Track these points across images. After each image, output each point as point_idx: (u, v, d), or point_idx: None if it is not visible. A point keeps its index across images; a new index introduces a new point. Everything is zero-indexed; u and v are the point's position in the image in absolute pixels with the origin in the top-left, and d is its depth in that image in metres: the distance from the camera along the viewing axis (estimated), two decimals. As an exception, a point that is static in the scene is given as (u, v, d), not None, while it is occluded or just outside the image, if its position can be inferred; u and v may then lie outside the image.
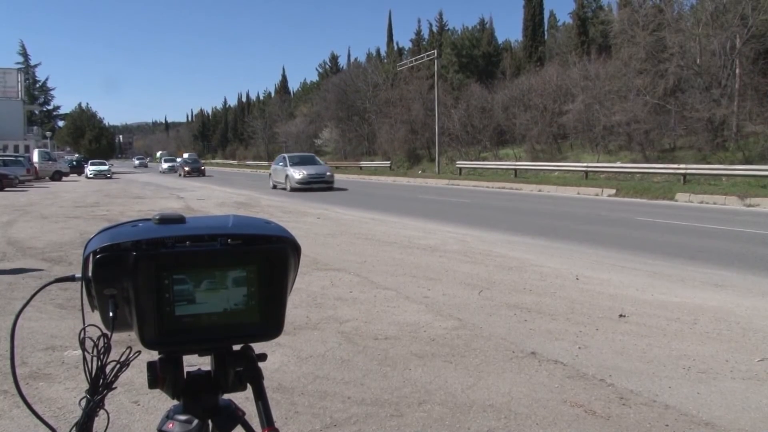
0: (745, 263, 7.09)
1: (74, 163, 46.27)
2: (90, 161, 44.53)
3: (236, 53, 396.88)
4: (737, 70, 23.84)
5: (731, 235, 9.62)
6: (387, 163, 40.53)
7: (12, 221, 11.62)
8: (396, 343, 3.97)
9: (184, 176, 38.27)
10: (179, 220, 0.93)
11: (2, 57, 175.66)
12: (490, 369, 3.50)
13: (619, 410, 2.92)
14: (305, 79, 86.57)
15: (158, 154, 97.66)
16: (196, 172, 39.68)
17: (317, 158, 26.51)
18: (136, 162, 78.40)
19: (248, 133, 77.20)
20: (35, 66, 72.61)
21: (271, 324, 0.93)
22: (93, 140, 78.95)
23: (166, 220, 0.92)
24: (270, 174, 25.25)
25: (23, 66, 67.59)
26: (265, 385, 0.93)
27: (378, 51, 62.94)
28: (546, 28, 47.34)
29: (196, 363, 1.01)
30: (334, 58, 70.90)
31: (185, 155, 57.65)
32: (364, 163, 43.34)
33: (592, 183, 21.22)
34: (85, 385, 0.88)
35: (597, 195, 18.92)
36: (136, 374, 2.83)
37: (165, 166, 50.66)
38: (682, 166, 20.41)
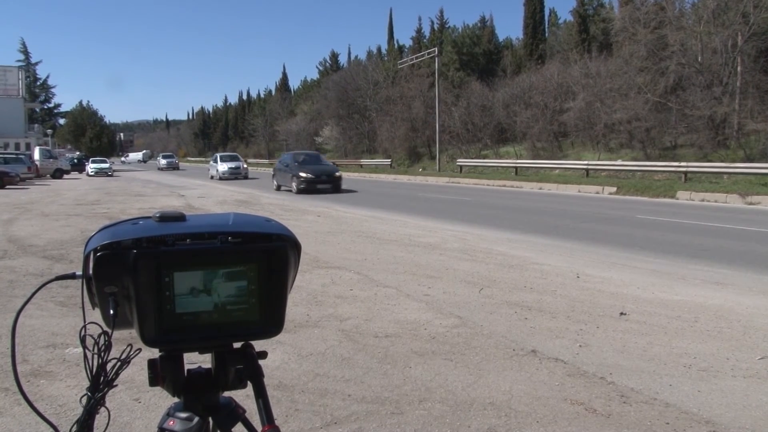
0: (746, 261, 7.09)
1: (75, 161, 46.32)
2: (91, 159, 44.58)
3: (237, 51, 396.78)
4: (738, 68, 23.81)
5: (732, 233, 9.62)
6: (387, 161, 40.49)
7: (13, 219, 11.63)
8: (396, 341, 3.97)
9: (298, 192, 19.43)
10: (180, 218, 0.93)
11: (3, 55, 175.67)
12: (490, 367, 3.50)
13: (620, 408, 2.92)
14: (306, 77, 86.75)
15: (143, 153, 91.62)
16: (328, 182, 19.87)
17: None
18: (163, 162, 55.74)
19: (249, 131, 77.20)
20: (36, 64, 72.66)
21: (272, 322, 0.93)
22: (94, 138, 78.95)
23: (166, 218, 0.92)
24: None
25: (24, 64, 67.61)
26: (266, 383, 0.93)
27: (379, 49, 62.90)
28: (547, 25, 47.29)
29: (196, 361, 1.01)
30: (334, 56, 70.87)
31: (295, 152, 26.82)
32: (364, 161, 43.30)
33: (593, 181, 21.21)
34: (86, 383, 0.88)
35: (598, 193, 18.91)
36: (137, 372, 2.84)
37: (224, 168, 31.02)
38: (683, 164, 20.40)
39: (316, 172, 20.07)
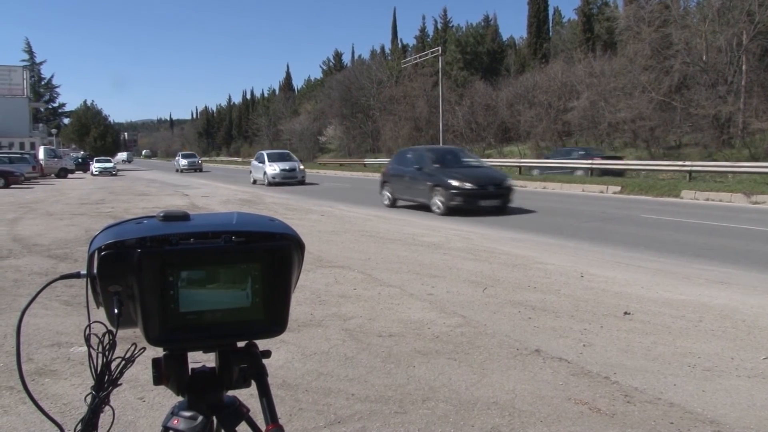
0: (751, 260, 7.06)
1: (79, 160, 46.47)
2: (95, 158, 44.71)
3: (241, 51, 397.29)
4: (743, 67, 23.74)
5: (737, 232, 9.58)
6: (391, 161, 40.39)
7: (18, 218, 11.67)
8: (400, 341, 3.97)
9: (447, 212, 12.30)
10: (184, 217, 0.93)
11: (8, 54, 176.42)
12: (494, 366, 3.49)
13: (624, 408, 2.91)
14: (309, 77, 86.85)
15: (127, 153, 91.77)
16: (496, 195, 12.61)
17: None
18: (183, 162, 44.80)
19: (252, 130, 77.40)
20: (40, 63, 73.09)
21: (275, 321, 0.93)
22: (98, 137, 79.17)
23: (170, 217, 0.92)
24: None
25: (29, 63, 67.97)
26: (270, 382, 0.93)
27: (382, 48, 63.00)
28: (551, 24, 47.25)
29: (200, 360, 1.01)
30: (338, 56, 70.99)
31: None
32: (368, 161, 43.27)
33: (597, 180, 21.16)
34: (91, 382, 0.88)
35: (602, 192, 18.87)
36: (141, 371, 2.85)
37: (274, 170, 23.94)
38: (687, 163, 20.34)
39: (479, 179, 12.60)
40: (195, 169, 44.33)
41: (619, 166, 22.92)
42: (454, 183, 12.35)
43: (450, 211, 12.23)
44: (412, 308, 4.82)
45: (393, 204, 14.46)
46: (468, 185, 12.32)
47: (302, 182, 24.27)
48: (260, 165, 25.04)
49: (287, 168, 24.05)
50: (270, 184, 23.63)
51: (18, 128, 46.68)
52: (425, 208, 13.01)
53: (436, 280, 5.88)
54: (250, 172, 26.80)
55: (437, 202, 12.55)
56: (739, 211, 13.00)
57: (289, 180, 23.78)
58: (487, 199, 12.42)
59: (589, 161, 23.46)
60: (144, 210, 13.19)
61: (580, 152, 25.52)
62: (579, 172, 23.53)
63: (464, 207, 12.20)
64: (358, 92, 50.65)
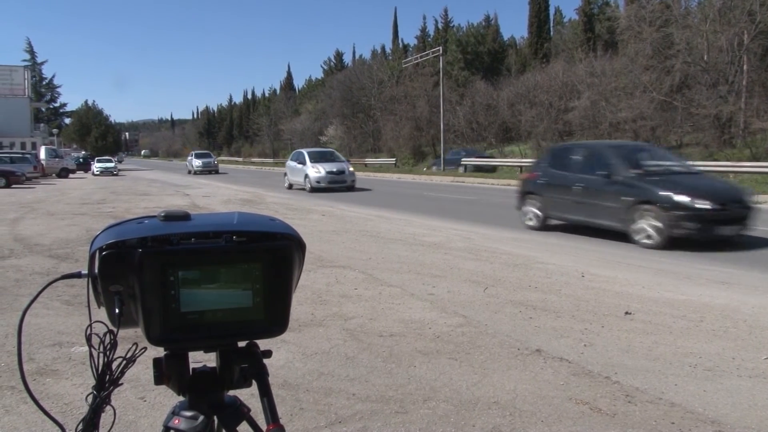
0: (752, 260, 7.06)
1: (81, 160, 46.53)
2: (96, 158, 44.77)
3: (242, 50, 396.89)
4: (744, 67, 23.72)
5: (738, 232, 9.55)
6: (392, 160, 40.51)
7: (19, 218, 11.68)
8: (401, 341, 3.97)
9: (664, 241, 7.86)
10: (184, 217, 0.93)
11: (9, 54, 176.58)
12: (495, 366, 3.49)
13: (625, 408, 2.91)
14: (310, 76, 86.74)
15: (117, 154, 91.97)
16: (739, 218, 8.14)
17: None
18: (197, 163, 39.38)
19: (254, 130, 77.41)
20: (42, 63, 73.11)
21: (276, 321, 0.93)
22: (99, 137, 79.31)
23: (171, 217, 0.92)
24: None
25: (30, 63, 67.99)
26: (270, 382, 0.93)
27: (383, 48, 63.05)
28: (552, 24, 47.26)
29: (201, 359, 1.01)
30: (339, 55, 71.06)
31: None
32: (369, 160, 43.32)
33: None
34: (92, 381, 0.88)
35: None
36: (143, 370, 2.84)
37: (318, 173, 19.79)
38: (688, 162, 20.29)
39: (714, 195, 8.24)
40: (210, 171, 38.60)
41: (489, 162, 30.89)
42: (681, 199, 7.96)
43: (670, 243, 7.91)
44: (413, 308, 4.82)
45: (542, 224, 10.05)
46: (703, 203, 7.90)
47: (351, 188, 20.04)
48: (299, 166, 20.59)
49: (334, 170, 19.79)
50: (313, 189, 19.58)
51: (19, 128, 46.71)
52: (610, 234, 8.83)
53: (437, 279, 5.88)
54: (285, 174, 22.52)
55: (647, 227, 8.14)
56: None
57: (336, 185, 19.57)
58: (728, 225, 8.10)
59: (467, 159, 30.97)
60: (145, 210, 13.20)
61: (463, 153, 33.04)
62: (461, 169, 30.63)
63: (697, 236, 7.91)
64: (359, 92, 50.66)
